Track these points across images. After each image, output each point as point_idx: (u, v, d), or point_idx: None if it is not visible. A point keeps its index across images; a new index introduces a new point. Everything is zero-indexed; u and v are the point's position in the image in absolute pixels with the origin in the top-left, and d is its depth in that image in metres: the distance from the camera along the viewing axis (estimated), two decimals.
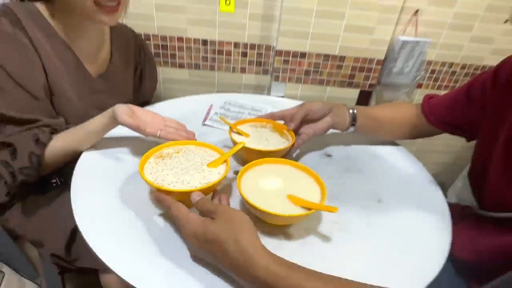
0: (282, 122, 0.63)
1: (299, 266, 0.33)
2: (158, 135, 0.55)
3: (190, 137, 0.59)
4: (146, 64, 0.84)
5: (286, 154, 0.57)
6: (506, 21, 0.97)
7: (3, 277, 0.53)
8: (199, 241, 0.35)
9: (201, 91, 1.04)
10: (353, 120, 0.63)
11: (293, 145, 0.57)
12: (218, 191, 0.45)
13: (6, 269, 0.54)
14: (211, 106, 0.82)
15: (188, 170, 0.47)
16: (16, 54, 0.55)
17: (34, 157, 0.54)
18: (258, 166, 0.49)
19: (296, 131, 0.60)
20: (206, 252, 0.36)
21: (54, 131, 0.58)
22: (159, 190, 0.41)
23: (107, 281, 0.62)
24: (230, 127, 0.59)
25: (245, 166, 0.48)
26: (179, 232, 0.41)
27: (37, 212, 0.65)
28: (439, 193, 0.57)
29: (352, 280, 0.33)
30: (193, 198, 0.40)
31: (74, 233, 0.61)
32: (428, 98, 0.64)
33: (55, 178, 0.67)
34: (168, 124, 0.60)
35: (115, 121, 0.55)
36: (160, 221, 0.45)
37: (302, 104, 0.61)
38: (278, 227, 0.45)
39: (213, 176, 0.46)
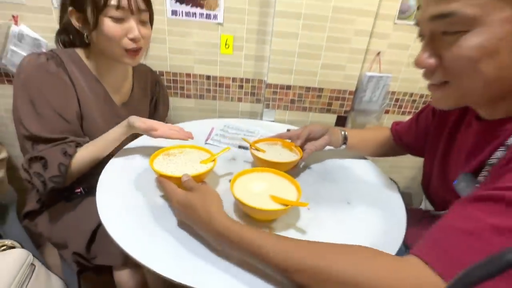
0: (289, 141, 0.72)
1: (249, 226, 0.40)
2: (165, 135, 0.62)
3: (189, 135, 0.66)
4: (161, 95, 0.93)
5: (295, 165, 0.65)
6: None
7: (34, 269, 0.57)
8: (180, 206, 0.44)
9: (205, 117, 1.12)
10: (345, 139, 0.72)
11: (301, 157, 0.65)
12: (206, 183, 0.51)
13: (36, 262, 0.58)
14: (213, 128, 0.90)
15: (186, 164, 0.57)
16: (58, 88, 0.64)
17: (62, 167, 0.60)
18: (248, 174, 0.56)
19: (301, 147, 0.68)
20: (185, 215, 0.44)
21: (78, 145, 0.65)
22: (160, 175, 0.51)
23: (120, 278, 0.65)
24: (250, 145, 0.67)
25: (237, 173, 0.54)
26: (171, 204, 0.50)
27: (63, 218, 0.70)
28: (399, 199, 0.63)
29: (286, 237, 0.39)
30: (183, 179, 0.49)
31: (94, 234, 0.66)
32: (395, 124, 0.74)
33: (79, 188, 0.72)
34: (172, 128, 0.66)
35: (129, 128, 0.63)
36: (172, 214, 0.50)
37: (305, 126, 0.70)
38: (264, 223, 0.51)
39: (203, 169, 0.56)
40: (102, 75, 0.72)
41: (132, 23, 0.62)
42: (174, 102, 1.14)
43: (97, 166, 0.66)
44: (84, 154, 0.64)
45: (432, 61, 0.38)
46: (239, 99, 1.14)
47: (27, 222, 0.73)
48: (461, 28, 0.34)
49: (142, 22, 0.66)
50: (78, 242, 0.65)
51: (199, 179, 0.52)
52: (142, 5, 0.64)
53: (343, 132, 0.72)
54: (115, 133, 0.65)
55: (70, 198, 0.72)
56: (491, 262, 0.18)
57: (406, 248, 0.54)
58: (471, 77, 0.35)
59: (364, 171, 0.73)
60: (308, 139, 0.69)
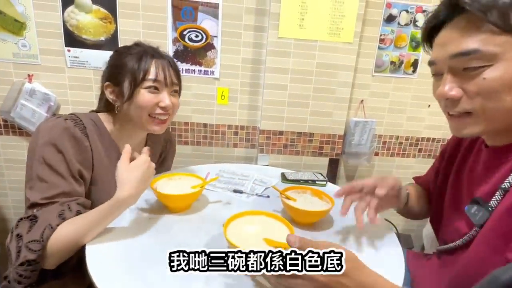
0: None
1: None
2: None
3: None
4: (170, 152, 0.95)
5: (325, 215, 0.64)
6: (429, 105, 1.19)
7: None
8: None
9: (201, 162, 1.16)
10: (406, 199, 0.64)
11: (333, 206, 0.62)
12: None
13: None
14: (208, 173, 0.93)
15: (182, 187, 0.67)
16: (78, 151, 0.61)
17: (47, 231, 0.50)
18: (242, 217, 0.57)
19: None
20: None
21: (79, 212, 0.56)
22: (159, 195, 0.63)
23: None
24: (280, 193, 0.67)
25: (230, 217, 0.55)
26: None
27: None
28: (395, 240, 0.63)
29: None
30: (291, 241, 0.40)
31: None
32: (417, 179, 0.73)
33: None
34: None
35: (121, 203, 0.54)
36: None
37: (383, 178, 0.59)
38: None
39: (190, 191, 0.66)
40: (120, 139, 0.71)
41: (164, 94, 0.67)
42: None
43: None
44: (69, 229, 0.52)
45: (455, 93, 0.41)
46: (235, 145, 1.19)
47: None
48: (482, 63, 0.38)
49: (172, 93, 0.70)
50: None
51: (185, 200, 0.66)
52: (175, 79, 0.69)
53: (406, 192, 0.63)
54: (102, 209, 0.54)
55: (61, 276, 0.59)
56: (488, 285, 0.17)
57: None
58: (495, 106, 0.39)
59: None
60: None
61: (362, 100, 1.15)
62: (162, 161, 0.94)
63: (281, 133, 1.12)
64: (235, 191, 0.80)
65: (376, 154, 1.23)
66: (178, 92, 0.74)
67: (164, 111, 0.68)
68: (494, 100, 0.39)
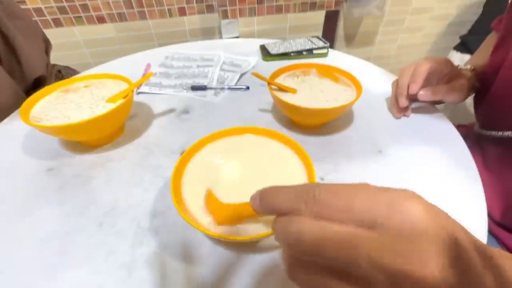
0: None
1: None
2: None
3: None
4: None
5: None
6: None
7: None
8: None
9: (138, 49, 0.77)
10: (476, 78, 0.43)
11: (360, 93, 0.37)
12: None
13: None
14: (148, 66, 0.58)
15: (81, 105, 0.37)
16: None
17: None
18: (214, 143, 0.31)
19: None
20: None
21: None
22: (47, 129, 0.32)
23: None
24: (268, 83, 0.40)
25: (192, 145, 0.29)
26: None
27: None
28: (448, 124, 0.42)
29: None
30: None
31: None
32: (498, 21, 0.45)
33: None
34: None
35: None
36: None
37: (424, 63, 0.39)
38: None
39: (101, 111, 0.35)
40: None
41: None
42: (82, 33, 0.75)
43: None
44: None
45: None
46: (181, 11, 0.76)
47: None
48: None
49: None
50: None
51: (98, 127, 0.35)
52: None
53: (469, 67, 0.44)
54: None
55: None
56: None
57: None
58: None
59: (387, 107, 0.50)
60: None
61: None
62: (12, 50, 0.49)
63: None
64: (194, 88, 0.51)
65: None
66: None
67: None
68: None
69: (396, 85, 0.41)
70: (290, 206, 0.15)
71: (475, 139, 0.44)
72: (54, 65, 0.61)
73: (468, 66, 0.45)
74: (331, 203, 0.13)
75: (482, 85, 0.43)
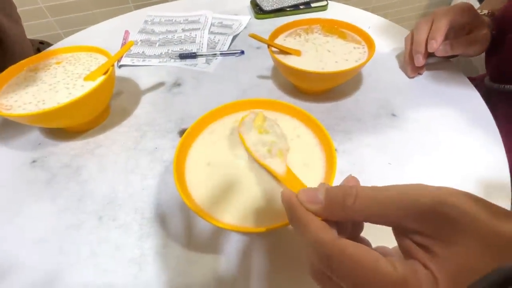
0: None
1: None
2: None
3: None
4: None
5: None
6: None
7: None
8: None
9: (111, 14, 0.68)
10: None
11: (373, 51, 0.33)
12: None
13: None
14: (126, 33, 0.51)
15: (55, 85, 0.32)
16: None
17: None
18: (216, 122, 0.27)
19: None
20: None
21: None
22: (21, 118, 0.27)
23: None
24: (268, 45, 0.35)
25: (190, 126, 0.26)
26: None
27: None
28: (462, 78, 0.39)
29: None
30: None
31: None
32: None
33: None
34: None
35: None
36: None
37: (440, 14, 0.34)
38: None
39: (80, 92, 0.31)
40: None
41: None
42: (45, 1, 0.65)
43: None
44: None
45: None
46: None
47: None
48: None
49: None
50: None
51: (74, 111, 0.30)
52: None
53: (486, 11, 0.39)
54: None
55: None
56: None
57: None
58: None
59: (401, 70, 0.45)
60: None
61: None
62: None
63: None
64: (183, 56, 0.45)
65: None
66: None
67: None
68: None
69: (411, 41, 0.37)
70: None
71: (484, 93, 0.41)
72: (31, 41, 0.53)
73: (486, 11, 0.40)
74: None
75: (498, 32, 0.39)
